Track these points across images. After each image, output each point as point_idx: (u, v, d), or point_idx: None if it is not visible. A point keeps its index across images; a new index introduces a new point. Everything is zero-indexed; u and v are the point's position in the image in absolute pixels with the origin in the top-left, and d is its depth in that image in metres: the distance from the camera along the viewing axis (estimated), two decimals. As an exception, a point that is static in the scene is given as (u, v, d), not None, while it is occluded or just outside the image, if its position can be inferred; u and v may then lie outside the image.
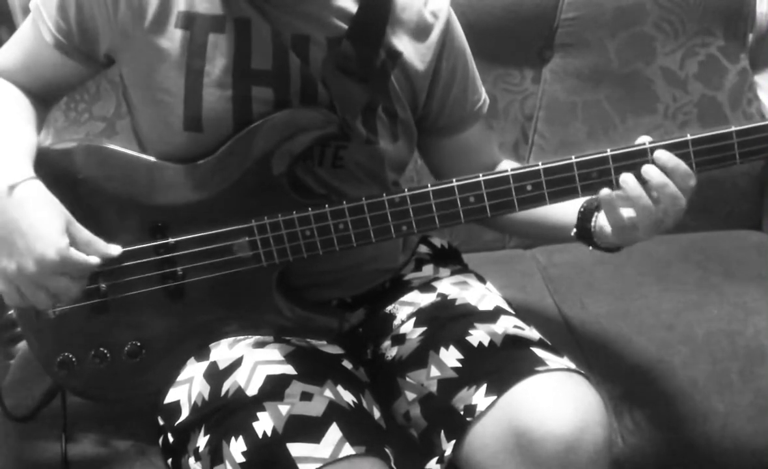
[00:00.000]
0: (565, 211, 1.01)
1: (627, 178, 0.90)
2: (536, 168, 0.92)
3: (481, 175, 0.94)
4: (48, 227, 0.88)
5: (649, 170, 0.89)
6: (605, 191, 0.90)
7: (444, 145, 1.14)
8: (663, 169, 0.89)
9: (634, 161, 0.90)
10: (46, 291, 0.91)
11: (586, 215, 0.99)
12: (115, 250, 0.95)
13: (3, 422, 1.08)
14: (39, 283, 0.90)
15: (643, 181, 0.89)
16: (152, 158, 1.00)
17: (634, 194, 0.89)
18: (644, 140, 0.90)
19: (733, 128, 0.89)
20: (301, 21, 1.00)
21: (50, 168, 0.96)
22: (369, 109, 1.01)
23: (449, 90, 1.09)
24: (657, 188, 0.89)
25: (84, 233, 0.92)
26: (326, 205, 0.96)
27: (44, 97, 1.07)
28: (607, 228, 0.95)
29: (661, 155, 0.89)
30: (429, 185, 0.95)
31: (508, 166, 1.04)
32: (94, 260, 0.92)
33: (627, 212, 0.91)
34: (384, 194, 0.95)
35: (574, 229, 1.01)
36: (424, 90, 1.07)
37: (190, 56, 0.97)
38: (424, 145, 1.15)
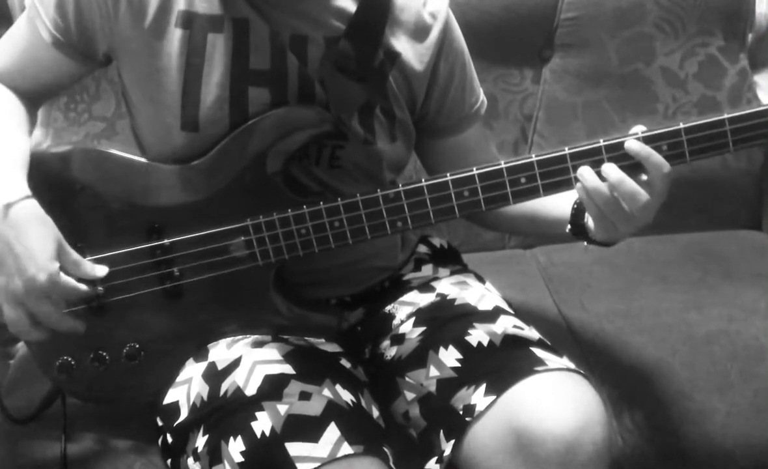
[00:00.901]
0: (560, 206, 1.01)
1: (583, 171, 0.89)
2: (530, 160, 0.92)
3: (474, 168, 0.93)
4: (40, 250, 0.89)
5: (606, 168, 0.89)
6: (579, 184, 0.90)
7: (441, 147, 1.14)
8: (636, 158, 0.88)
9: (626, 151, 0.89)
10: (27, 313, 0.91)
11: (579, 211, 0.99)
12: (101, 271, 0.95)
13: (2, 424, 1.08)
14: (23, 303, 0.90)
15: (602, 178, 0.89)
16: (147, 160, 1.00)
17: (591, 186, 0.89)
18: (638, 130, 0.90)
19: (726, 115, 0.88)
20: (299, 21, 1.00)
21: (46, 172, 0.97)
22: (366, 108, 1.01)
23: (447, 91, 1.09)
24: (614, 186, 0.88)
25: (72, 255, 0.92)
26: (321, 203, 0.96)
27: (33, 97, 1.06)
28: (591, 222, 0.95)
29: (632, 145, 0.88)
30: (423, 180, 0.95)
31: None
32: (83, 287, 0.92)
33: (594, 207, 0.91)
34: (378, 190, 0.95)
35: (569, 226, 1.01)
36: (422, 91, 1.07)
37: (189, 56, 0.97)
38: (421, 146, 1.15)
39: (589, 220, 0.97)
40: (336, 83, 0.98)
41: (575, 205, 1.00)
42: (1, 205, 0.89)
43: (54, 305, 0.91)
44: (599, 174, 0.89)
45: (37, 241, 0.89)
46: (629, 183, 0.88)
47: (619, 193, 0.88)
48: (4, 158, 0.94)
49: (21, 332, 0.93)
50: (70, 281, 0.91)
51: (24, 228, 0.89)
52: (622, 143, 0.89)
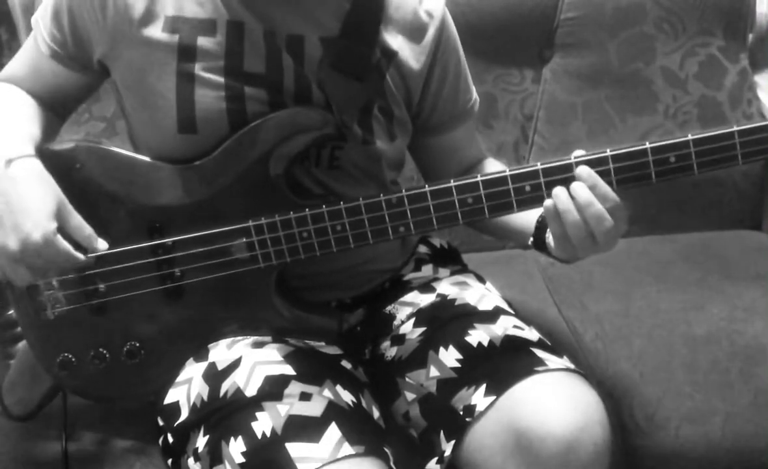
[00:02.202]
0: (528, 217, 1.00)
1: (559, 192, 0.88)
2: (534, 168, 0.91)
3: (479, 175, 0.93)
4: (38, 208, 0.89)
5: (576, 188, 0.87)
6: (548, 202, 0.89)
7: (434, 144, 1.15)
8: (585, 184, 0.87)
9: (634, 162, 0.88)
10: (26, 268, 0.91)
11: (543, 226, 0.98)
12: (102, 244, 0.95)
13: (3, 422, 1.08)
14: (19, 260, 0.90)
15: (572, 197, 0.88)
16: (150, 159, 0.99)
17: (562, 208, 0.88)
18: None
19: (735, 128, 0.87)
20: (295, 18, 0.99)
21: (49, 168, 0.96)
22: (365, 109, 1.01)
23: (442, 89, 1.09)
24: (581, 208, 0.87)
25: (76, 218, 0.93)
26: (323, 206, 0.96)
27: (53, 108, 1.07)
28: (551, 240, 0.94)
29: (582, 172, 0.87)
30: (426, 186, 0.94)
31: (497, 165, 1.04)
32: (79, 255, 0.92)
33: (560, 227, 0.89)
34: (381, 195, 0.95)
35: (531, 239, 1.00)
36: (418, 89, 1.07)
37: (179, 60, 0.97)
38: (413, 143, 1.15)
39: (549, 237, 0.95)
40: (335, 84, 0.98)
41: (539, 220, 0.99)
42: (2, 161, 0.89)
43: (49, 264, 0.91)
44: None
45: (36, 198, 0.89)
46: (597, 206, 0.87)
47: (587, 215, 0.87)
48: (10, 130, 0.95)
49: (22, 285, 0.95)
50: (65, 244, 0.91)
51: (23, 184, 0.90)
52: (631, 153, 0.88)
